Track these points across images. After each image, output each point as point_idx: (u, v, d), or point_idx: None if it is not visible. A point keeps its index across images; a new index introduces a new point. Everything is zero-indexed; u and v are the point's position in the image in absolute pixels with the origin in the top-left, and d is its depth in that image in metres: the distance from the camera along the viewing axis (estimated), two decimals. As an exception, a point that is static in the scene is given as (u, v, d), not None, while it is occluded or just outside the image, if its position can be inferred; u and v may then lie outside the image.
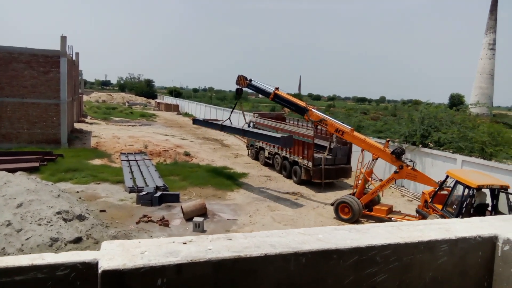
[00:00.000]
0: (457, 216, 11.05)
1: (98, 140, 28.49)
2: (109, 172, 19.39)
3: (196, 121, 22.11)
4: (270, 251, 1.34)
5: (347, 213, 14.15)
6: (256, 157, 24.89)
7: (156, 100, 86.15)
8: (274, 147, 21.96)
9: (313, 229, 1.56)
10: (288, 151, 20.35)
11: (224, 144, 31.75)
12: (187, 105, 66.96)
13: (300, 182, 19.32)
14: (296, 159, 19.69)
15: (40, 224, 10.56)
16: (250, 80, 18.07)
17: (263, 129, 23.22)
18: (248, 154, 26.17)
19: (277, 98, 17.27)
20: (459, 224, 1.76)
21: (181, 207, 13.77)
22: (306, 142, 18.80)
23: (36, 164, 19.23)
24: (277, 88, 17.40)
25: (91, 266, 1.23)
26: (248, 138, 26.72)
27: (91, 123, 40.33)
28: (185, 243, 1.35)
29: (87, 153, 23.63)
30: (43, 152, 21.44)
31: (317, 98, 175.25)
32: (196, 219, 12.69)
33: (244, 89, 18.73)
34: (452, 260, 1.63)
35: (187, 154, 24.93)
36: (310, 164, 18.49)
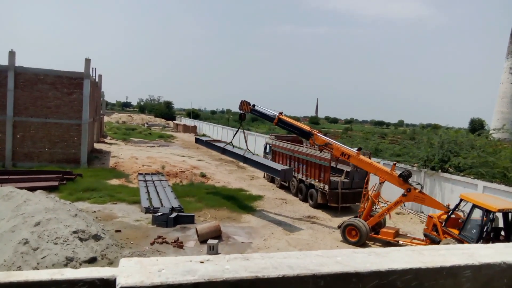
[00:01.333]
0: (477, 241, 10.90)
1: (117, 160, 28.89)
2: (126, 192, 19.59)
3: (198, 140, 22.22)
4: (288, 272, 1.32)
5: (355, 236, 14.18)
6: (272, 180, 24.79)
7: (174, 121, 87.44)
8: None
9: (332, 251, 1.53)
10: (305, 174, 20.23)
11: (240, 166, 31.68)
12: (204, 127, 67.65)
13: (316, 206, 19.11)
14: (312, 182, 19.52)
15: (56, 243, 10.57)
16: (253, 105, 18.23)
17: (279, 152, 23.35)
18: (264, 177, 26.11)
19: (281, 122, 17.36)
20: (483, 250, 1.70)
21: (196, 229, 13.71)
22: (323, 165, 18.66)
23: (56, 183, 19.54)
24: (281, 113, 17.52)
25: (109, 283, 1.23)
26: None
27: (110, 144, 41.01)
28: (202, 262, 1.35)
29: (105, 173, 23.94)
30: (63, 172, 21.81)
31: (334, 121, 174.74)
32: (210, 241, 12.58)
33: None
34: (475, 286, 1.58)
35: (203, 175, 25.04)
36: (326, 187, 18.31)
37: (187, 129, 69.70)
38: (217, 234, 13.74)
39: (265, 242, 13.78)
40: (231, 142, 20.04)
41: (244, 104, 18.26)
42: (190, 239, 13.56)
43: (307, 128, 16.72)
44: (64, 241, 10.73)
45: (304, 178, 20.37)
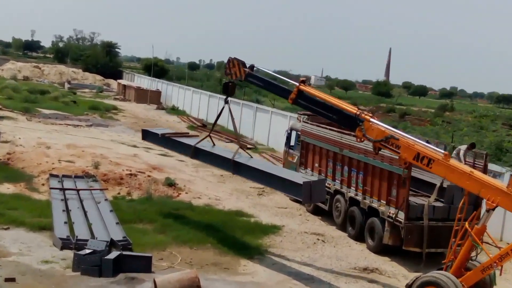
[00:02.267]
0: None
1: (11, 149, 28.80)
2: (28, 208, 19.70)
3: (147, 134, 22.21)
4: None
5: None
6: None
7: (120, 81, 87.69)
8: (334, 179, 21.88)
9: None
10: (361, 188, 20.19)
11: None
12: (176, 93, 67.94)
13: (381, 249, 19.15)
14: (374, 204, 19.52)
15: None
16: (252, 68, 18.37)
17: (314, 146, 23.31)
18: (285, 191, 26.05)
19: (303, 99, 17.17)
20: None
21: (154, 282, 13.65)
22: (395, 173, 18.58)
23: None
24: (302, 82, 17.42)
25: None
26: (286, 161, 26.63)
27: (0, 117, 41.08)
28: None
29: (-12, 172, 23.98)
30: None
31: (421, 92, 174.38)
32: (180, 307, 12.60)
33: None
34: None
35: (170, 183, 25.11)
36: (401, 215, 18.20)
37: (143, 95, 69.92)
38: (192, 293, 13.73)
39: (283, 314, 13.85)
40: (209, 135, 19.91)
41: (234, 64, 18.43)
42: (142, 300, 13.59)
43: (352, 109, 16.37)
44: None
45: (359, 197, 20.40)
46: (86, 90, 79.06)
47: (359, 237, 20.35)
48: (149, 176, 26.10)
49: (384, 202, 19.05)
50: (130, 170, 26.45)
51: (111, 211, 19.54)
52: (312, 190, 16.13)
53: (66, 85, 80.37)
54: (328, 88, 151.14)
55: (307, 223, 22.29)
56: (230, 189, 26.72)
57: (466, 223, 14.64)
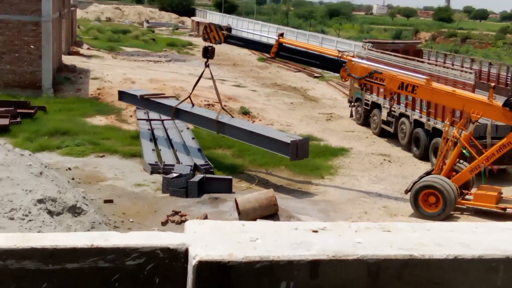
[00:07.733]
0: None
1: (101, 85, 29.57)
2: (119, 138, 20.47)
3: (124, 95, 21.99)
4: (463, 252, 1.37)
5: (434, 205, 15.07)
6: (365, 121, 24.94)
7: (193, 18, 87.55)
8: (399, 103, 21.79)
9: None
10: (425, 111, 20.07)
11: (309, 96, 31.71)
12: (245, 28, 67.41)
13: (445, 168, 19.01)
14: (438, 125, 19.32)
15: (12, 218, 10.88)
16: (229, 30, 18.83)
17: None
18: (352, 116, 26.23)
19: (284, 51, 17.85)
20: None
21: (236, 201, 13.99)
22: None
23: (5, 121, 20.07)
24: (281, 35, 18.22)
25: (177, 255, 1.35)
26: (352, 88, 26.46)
27: (89, 56, 41.87)
28: (316, 231, 1.43)
29: (83, 106, 24.82)
30: (15, 103, 22.28)
31: (482, 15, 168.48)
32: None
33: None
34: None
35: (245, 112, 25.59)
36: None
37: (215, 31, 69.69)
38: (270, 211, 13.90)
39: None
40: (189, 97, 19.95)
41: (212, 29, 18.69)
42: (226, 217, 13.84)
43: (332, 52, 17.10)
44: (25, 215, 11.00)
45: (423, 119, 20.31)
46: (163, 28, 79.28)
47: (423, 157, 20.41)
48: (225, 105, 26.19)
49: (448, 123, 18.85)
50: (208, 101, 26.92)
51: (193, 138, 20.13)
52: (299, 148, 16.47)
53: (145, 24, 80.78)
54: (389, 16, 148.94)
55: (373, 145, 22.50)
56: (300, 115, 26.89)
57: (455, 130, 15.72)
